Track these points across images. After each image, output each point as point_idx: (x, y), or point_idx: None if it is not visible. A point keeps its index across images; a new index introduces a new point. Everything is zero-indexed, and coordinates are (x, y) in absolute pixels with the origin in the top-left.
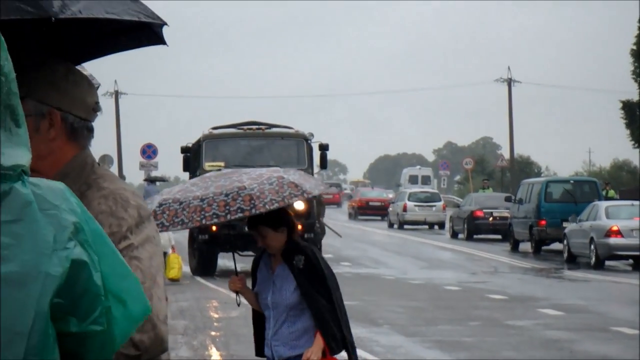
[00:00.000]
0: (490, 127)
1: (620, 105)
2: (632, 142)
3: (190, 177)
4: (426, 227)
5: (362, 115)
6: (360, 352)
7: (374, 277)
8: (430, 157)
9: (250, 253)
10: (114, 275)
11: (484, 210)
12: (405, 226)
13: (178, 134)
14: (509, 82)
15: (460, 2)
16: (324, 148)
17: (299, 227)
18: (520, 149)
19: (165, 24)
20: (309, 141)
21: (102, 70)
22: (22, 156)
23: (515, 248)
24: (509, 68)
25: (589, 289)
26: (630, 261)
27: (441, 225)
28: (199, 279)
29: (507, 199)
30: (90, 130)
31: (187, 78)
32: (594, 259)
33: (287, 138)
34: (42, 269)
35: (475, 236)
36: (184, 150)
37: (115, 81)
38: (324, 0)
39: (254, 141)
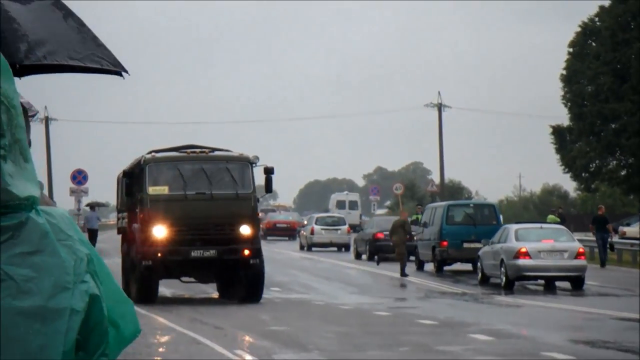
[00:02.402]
0: (421, 152)
1: (551, 130)
2: (562, 167)
3: (131, 202)
4: (335, 249)
5: (293, 140)
6: None
7: (303, 303)
8: (361, 183)
9: (192, 280)
10: (112, 302)
11: (385, 233)
12: (314, 248)
13: (107, 160)
14: (439, 107)
15: (391, 27)
16: (269, 172)
17: (246, 252)
18: (450, 174)
19: (127, 72)
20: (254, 165)
21: (31, 95)
22: (32, 190)
23: (420, 268)
24: (439, 93)
25: (519, 314)
26: (541, 282)
27: (346, 247)
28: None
29: (414, 222)
30: None
31: (116, 104)
32: (504, 279)
33: (231, 162)
34: (67, 304)
35: (376, 257)
36: (127, 174)
37: (46, 107)
38: (252, 20)
39: (198, 165)
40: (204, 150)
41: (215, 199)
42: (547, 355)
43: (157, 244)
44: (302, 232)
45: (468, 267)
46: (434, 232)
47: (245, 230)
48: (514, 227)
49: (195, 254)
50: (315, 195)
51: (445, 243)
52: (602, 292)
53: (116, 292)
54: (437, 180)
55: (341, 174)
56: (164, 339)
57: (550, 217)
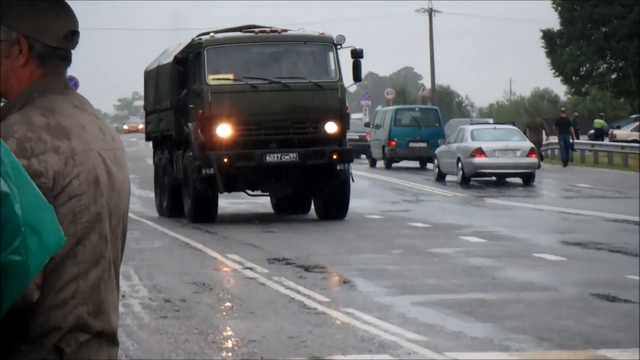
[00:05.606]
0: (412, 57)
1: (541, 34)
2: (553, 71)
3: (184, 95)
4: None
5: None
6: (283, 280)
7: None
8: (352, 88)
9: (260, 193)
10: (30, 207)
11: None
12: None
13: (100, 67)
14: (430, 12)
15: None
16: (357, 55)
17: (334, 156)
18: (441, 79)
19: None
20: (339, 46)
21: None
22: None
23: (373, 165)
24: None
25: (510, 217)
26: (494, 178)
27: None
28: None
29: (367, 125)
30: (63, 59)
31: (106, 9)
32: (460, 176)
33: (311, 43)
34: None
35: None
36: (179, 61)
37: None
38: None
39: (269, 48)
40: (274, 29)
41: (293, 89)
42: (538, 256)
43: (222, 147)
44: None
45: (415, 164)
46: (383, 134)
47: (331, 128)
48: (469, 127)
49: (270, 158)
50: None
51: (393, 143)
52: (594, 195)
53: (35, 197)
54: (428, 85)
55: None
56: (157, 244)
57: (598, 121)
